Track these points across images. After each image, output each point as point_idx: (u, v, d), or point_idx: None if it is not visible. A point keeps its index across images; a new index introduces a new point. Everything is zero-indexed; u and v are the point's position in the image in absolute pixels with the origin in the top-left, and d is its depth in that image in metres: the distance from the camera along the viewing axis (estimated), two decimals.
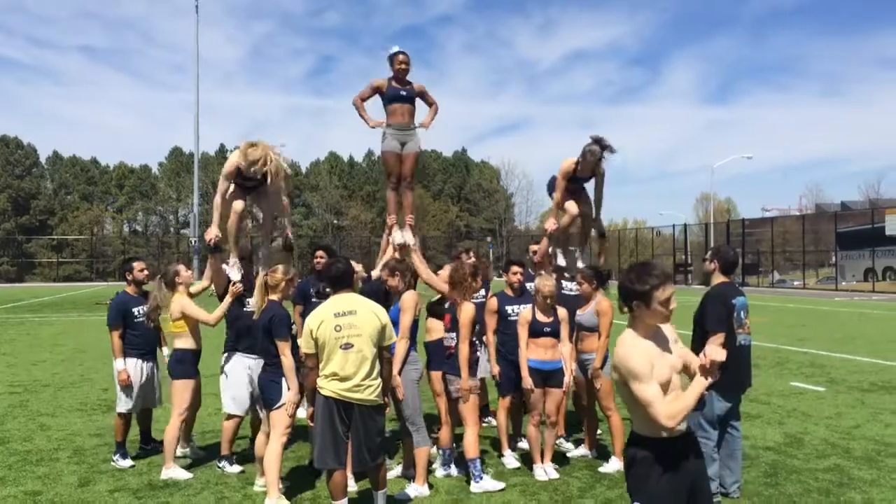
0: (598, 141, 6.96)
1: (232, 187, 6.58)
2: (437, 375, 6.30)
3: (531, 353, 6.17)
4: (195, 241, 47.13)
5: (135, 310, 6.67)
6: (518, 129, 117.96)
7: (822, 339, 15.64)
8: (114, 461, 6.50)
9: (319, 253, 7.33)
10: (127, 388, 6.53)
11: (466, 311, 5.90)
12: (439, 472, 6.21)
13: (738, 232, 48.08)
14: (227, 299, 6.35)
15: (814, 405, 8.87)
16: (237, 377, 6.26)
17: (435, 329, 6.42)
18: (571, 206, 7.33)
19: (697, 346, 5.45)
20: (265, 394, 5.58)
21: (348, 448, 4.88)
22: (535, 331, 6.17)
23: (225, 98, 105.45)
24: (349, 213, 71.16)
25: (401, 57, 6.94)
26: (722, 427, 5.51)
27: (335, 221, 71.84)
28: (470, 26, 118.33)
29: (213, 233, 6.47)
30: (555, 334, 6.21)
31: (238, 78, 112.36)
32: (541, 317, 6.20)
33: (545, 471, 6.12)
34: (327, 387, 4.76)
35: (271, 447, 5.41)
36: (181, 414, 6.31)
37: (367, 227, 69.12)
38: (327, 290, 5.52)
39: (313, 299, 6.92)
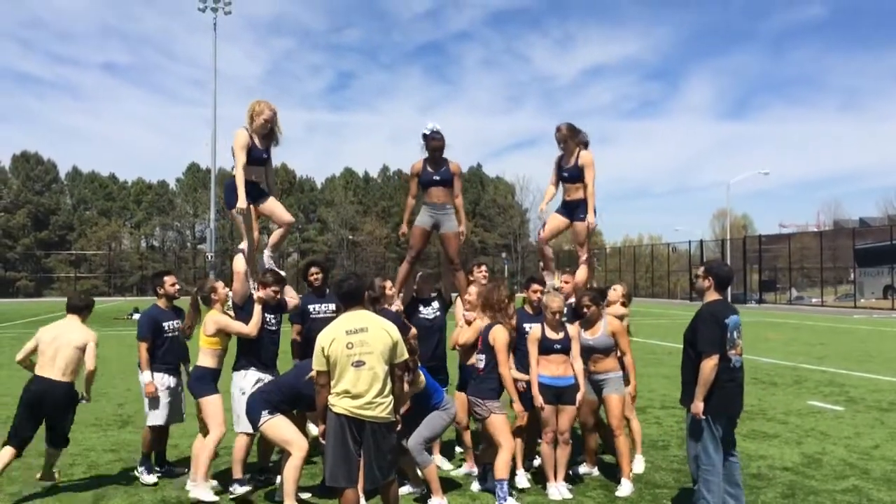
0: (562, 125, 7.06)
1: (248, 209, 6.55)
2: (463, 400, 6.38)
3: (543, 369, 6.14)
4: (212, 257, 47.45)
5: (166, 324, 6.60)
6: (534, 144, 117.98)
7: (840, 358, 15.45)
8: (137, 473, 6.45)
9: (314, 269, 7.12)
10: (154, 400, 6.47)
11: (500, 334, 5.99)
12: (475, 487, 6.29)
13: (754, 248, 47.76)
14: (258, 308, 6.26)
15: (832, 425, 8.76)
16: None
17: (474, 352, 6.48)
18: (550, 220, 7.39)
19: (688, 367, 5.27)
20: (249, 411, 5.75)
21: (360, 466, 4.87)
22: (546, 348, 6.16)
23: (244, 113, 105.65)
24: (364, 228, 71.40)
25: (434, 144, 6.95)
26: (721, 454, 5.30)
27: (350, 237, 72.10)
28: (487, 42, 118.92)
29: (243, 203, 6.34)
30: (565, 351, 6.19)
31: (257, 93, 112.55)
32: (550, 333, 6.18)
33: (559, 490, 6.07)
34: (339, 404, 4.76)
35: (291, 461, 5.49)
36: (218, 431, 6.04)
37: (381, 243, 69.32)
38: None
39: (311, 315, 6.87)
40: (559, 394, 6.13)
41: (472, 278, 7.16)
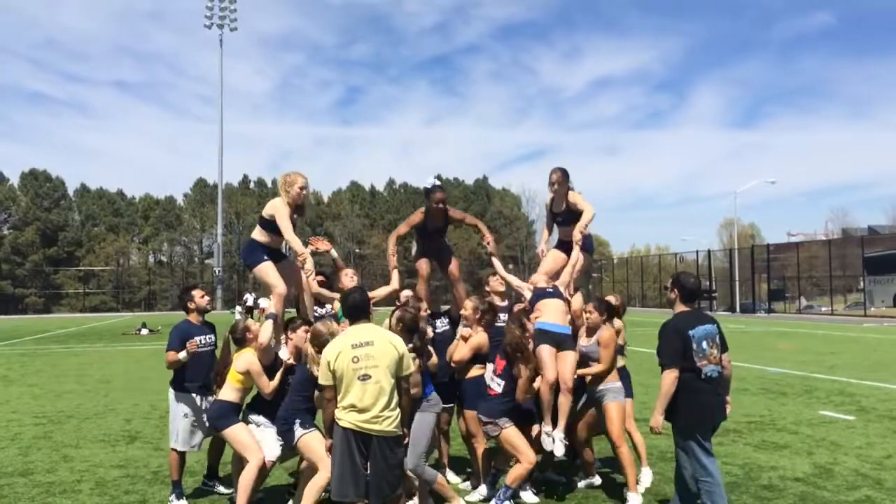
0: (556, 169, 7.08)
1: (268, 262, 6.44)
2: (472, 415, 6.30)
3: (545, 316, 6.23)
4: (219, 272, 47.59)
5: (197, 339, 6.43)
6: (542, 156, 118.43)
7: (851, 367, 15.33)
8: (170, 501, 6.27)
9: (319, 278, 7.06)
10: (185, 420, 6.30)
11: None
12: (481, 490, 6.23)
13: (762, 257, 47.58)
14: (280, 373, 6.04)
15: (844, 435, 8.68)
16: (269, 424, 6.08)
17: (474, 368, 6.43)
18: (549, 256, 7.44)
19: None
20: (282, 431, 5.67)
21: (366, 480, 4.85)
22: (538, 294, 6.46)
23: (252, 129, 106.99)
24: (371, 241, 71.53)
25: (438, 195, 6.91)
26: None
27: (357, 250, 72.19)
28: (495, 55, 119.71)
29: (310, 265, 6.26)
30: (559, 296, 6.43)
31: (266, 109, 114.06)
32: (541, 285, 6.59)
33: (554, 439, 5.95)
34: (345, 418, 4.74)
35: (316, 479, 5.34)
36: (257, 457, 5.81)
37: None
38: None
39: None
40: (559, 341, 6.14)
41: (487, 289, 7.15)
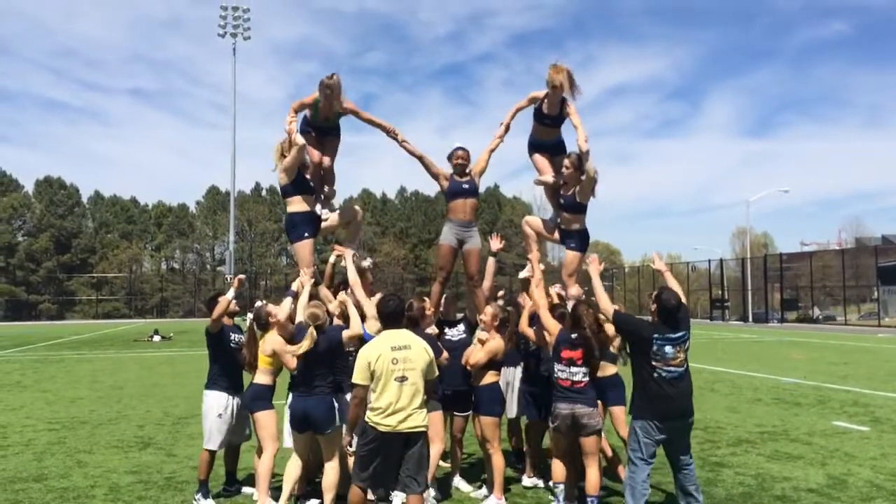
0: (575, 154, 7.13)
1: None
2: (487, 421, 6.31)
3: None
4: (231, 279, 47.95)
5: (233, 336, 6.67)
6: None
7: (865, 377, 15.21)
8: (195, 500, 6.38)
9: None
10: (218, 420, 6.43)
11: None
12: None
13: (775, 266, 47.33)
14: (306, 343, 5.93)
15: (858, 445, 8.61)
16: None
17: (489, 374, 6.40)
18: (543, 167, 7.61)
19: (634, 376, 5.51)
20: (317, 415, 5.75)
21: (396, 477, 5.03)
22: None
23: (265, 137, 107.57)
24: (382, 249, 71.67)
25: (460, 153, 7.08)
26: (673, 464, 5.51)
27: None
28: (508, 63, 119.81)
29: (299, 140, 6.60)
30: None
31: (279, 117, 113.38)
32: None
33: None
34: (382, 422, 4.92)
35: (329, 472, 5.65)
36: (272, 447, 6.18)
37: (399, 264, 69.40)
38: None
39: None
40: None
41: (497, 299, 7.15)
